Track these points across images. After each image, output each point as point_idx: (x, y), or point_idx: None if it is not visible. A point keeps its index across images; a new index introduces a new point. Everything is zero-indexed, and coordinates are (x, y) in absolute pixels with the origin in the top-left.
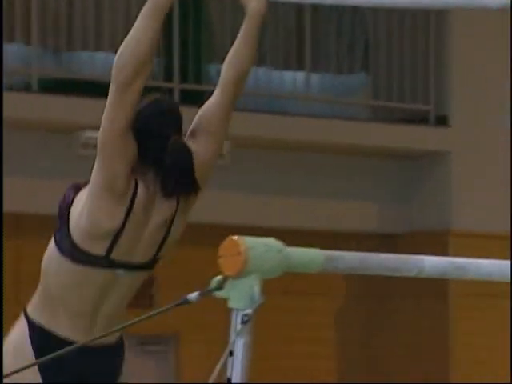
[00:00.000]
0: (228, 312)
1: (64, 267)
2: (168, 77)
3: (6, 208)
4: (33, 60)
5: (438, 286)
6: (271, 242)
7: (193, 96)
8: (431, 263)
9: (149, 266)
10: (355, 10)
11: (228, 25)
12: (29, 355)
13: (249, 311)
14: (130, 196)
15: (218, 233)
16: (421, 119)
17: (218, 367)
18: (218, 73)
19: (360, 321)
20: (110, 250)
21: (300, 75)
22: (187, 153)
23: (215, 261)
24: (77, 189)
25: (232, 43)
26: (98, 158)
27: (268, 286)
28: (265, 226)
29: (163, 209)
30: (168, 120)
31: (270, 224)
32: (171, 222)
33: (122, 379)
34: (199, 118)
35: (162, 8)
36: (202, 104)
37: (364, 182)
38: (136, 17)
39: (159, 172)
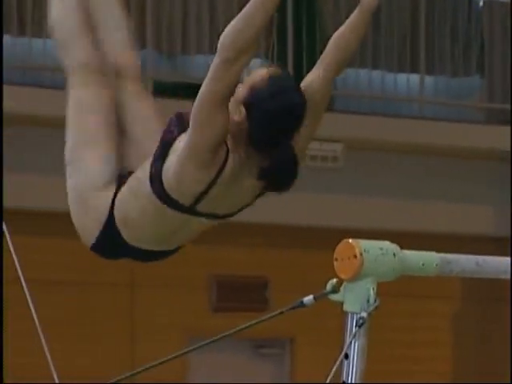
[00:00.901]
0: (343, 315)
1: (148, 196)
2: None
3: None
4: (148, 64)
5: None
6: (386, 244)
7: None
8: None
9: (233, 215)
10: (470, 11)
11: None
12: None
13: (364, 314)
14: (218, 166)
15: (332, 236)
16: None
17: (334, 370)
18: None
19: (476, 324)
20: (195, 203)
21: (414, 78)
22: (295, 164)
23: (330, 264)
24: (181, 123)
25: None
26: (191, 124)
27: (384, 289)
28: (380, 229)
29: (251, 180)
30: (288, 118)
31: (385, 227)
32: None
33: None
34: None
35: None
36: None
37: (479, 184)
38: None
39: (257, 155)
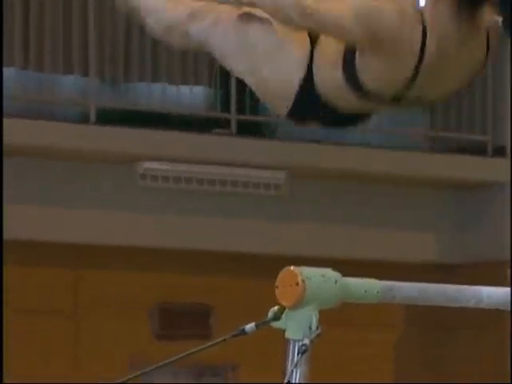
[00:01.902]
0: (286, 343)
1: None
2: (226, 107)
3: (66, 239)
4: (90, 91)
5: (499, 317)
6: (328, 272)
7: (250, 127)
8: (489, 293)
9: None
10: None
11: None
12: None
13: (306, 341)
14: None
15: (276, 263)
16: (478, 149)
17: None
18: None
19: (419, 352)
20: None
21: None
22: None
23: (273, 291)
24: None
25: None
26: None
27: (326, 317)
28: (322, 257)
29: None
30: None
31: (328, 254)
32: None
33: None
34: None
35: None
36: (260, 135)
37: (422, 212)
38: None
39: None
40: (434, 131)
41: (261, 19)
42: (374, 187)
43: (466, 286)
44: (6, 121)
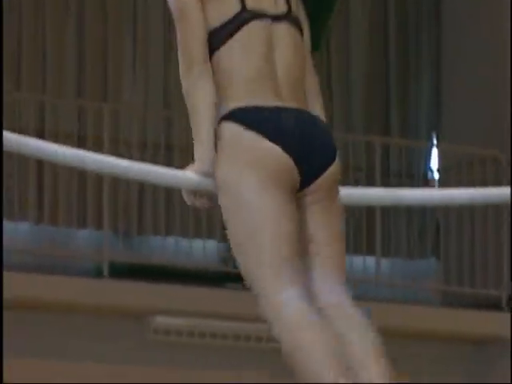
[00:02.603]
0: None
1: (230, 44)
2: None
3: None
4: (104, 245)
5: None
6: None
7: None
8: None
9: (289, 18)
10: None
11: None
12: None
13: None
14: None
15: None
16: (492, 304)
17: None
18: None
19: None
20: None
21: (370, 260)
22: None
23: None
24: None
25: None
26: None
27: None
28: None
29: None
30: None
31: None
32: None
33: None
34: None
35: None
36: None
37: (435, 366)
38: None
39: None
40: (448, 286)
41: None
42: (387, 340)
43: None
44: (20, 275)
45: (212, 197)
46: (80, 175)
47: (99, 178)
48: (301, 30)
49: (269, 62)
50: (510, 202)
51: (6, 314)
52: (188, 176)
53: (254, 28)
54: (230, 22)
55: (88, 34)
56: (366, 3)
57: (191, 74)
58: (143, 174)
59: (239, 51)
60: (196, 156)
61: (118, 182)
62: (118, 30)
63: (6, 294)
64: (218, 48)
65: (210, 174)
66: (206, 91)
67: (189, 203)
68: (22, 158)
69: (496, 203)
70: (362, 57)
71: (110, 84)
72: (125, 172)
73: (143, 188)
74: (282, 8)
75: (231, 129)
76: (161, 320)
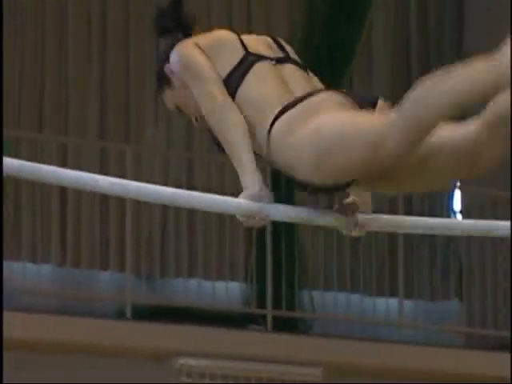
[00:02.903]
0: None
1: (247, 80)
2: (261, 303)
3: None
4: (126, 287)
5: None
6: None
7: (286, 323)
8: None
9: (290, 61)
10: (449, 238)
11: (321, 250)
12: None
13: None
14: None
15: None
16: None
17: None
18: (311, 299)
19: None
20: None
21: (393, 302)
22: None
23: None
24: None
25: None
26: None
27: None
28: None
29: None
30: None
31: None
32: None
33: None
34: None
35: None
36: (296, 331)
37: None
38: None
39: None
40: (471, 328)
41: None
42: (410, 383)
43: None
44: (42, 317)
45: (265, 217)
46: (102, 217)
47: (122, 220)
48: (306, 70)
49: (287, 91)
50: None
51: (28, 356)
52: (239, 201)
53: (263, 66)
54: (239, 64)
55: (110, 76)
56: (387, 42)
57: (215, 111)
58: (194, 201)
59: (257, 82)
60: (244, 185)
61: (141, 224)
62: (139, 71)
63: (28, 336)
64: (236, 88)
65: (259, 197)
66: (235, 121)
67: (245, 225)
68: (45, 201)
69: None
70: (384, 91)
71: (132, 125)
72: (175, 200)
73: (166, 230)
74: (278, 54)
75: (282, 122)
76: (183, 362)
